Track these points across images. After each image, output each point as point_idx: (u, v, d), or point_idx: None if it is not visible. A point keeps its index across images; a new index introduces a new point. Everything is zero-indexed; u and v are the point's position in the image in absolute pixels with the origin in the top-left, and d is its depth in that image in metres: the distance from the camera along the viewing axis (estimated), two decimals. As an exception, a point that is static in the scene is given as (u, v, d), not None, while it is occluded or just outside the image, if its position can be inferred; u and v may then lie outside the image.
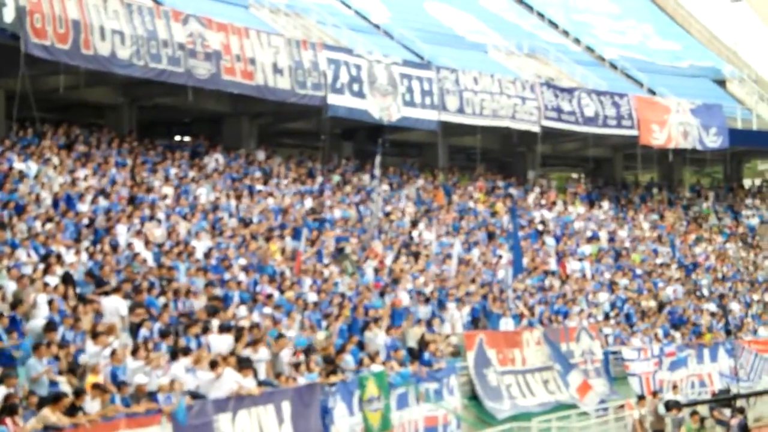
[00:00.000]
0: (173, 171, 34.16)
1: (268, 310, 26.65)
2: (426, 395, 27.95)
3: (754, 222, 56.30)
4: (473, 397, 30.68)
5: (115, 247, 26.39)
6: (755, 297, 46.67)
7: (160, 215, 29.98)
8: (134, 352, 21.34)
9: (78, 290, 23.58)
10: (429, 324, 31.36)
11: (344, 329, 28.17)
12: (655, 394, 33.42)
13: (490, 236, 41.22)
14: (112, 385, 20.12)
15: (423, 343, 29.69)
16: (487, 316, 33.87)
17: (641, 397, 33.10)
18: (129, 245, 26.91)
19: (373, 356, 27.10)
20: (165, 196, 31.71)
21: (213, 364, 22.00)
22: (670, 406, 31.60)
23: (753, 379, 37.26)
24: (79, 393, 19.25)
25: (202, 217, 31.28)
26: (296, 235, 32.74)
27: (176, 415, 20.20)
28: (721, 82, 62.12)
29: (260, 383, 23.03)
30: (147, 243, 27.47)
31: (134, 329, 22.99)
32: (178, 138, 40.99)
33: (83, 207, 28.30)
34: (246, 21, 40.53)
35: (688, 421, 30.48)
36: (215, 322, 24.38)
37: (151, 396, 20.46)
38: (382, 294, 31.80)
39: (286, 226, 33.58)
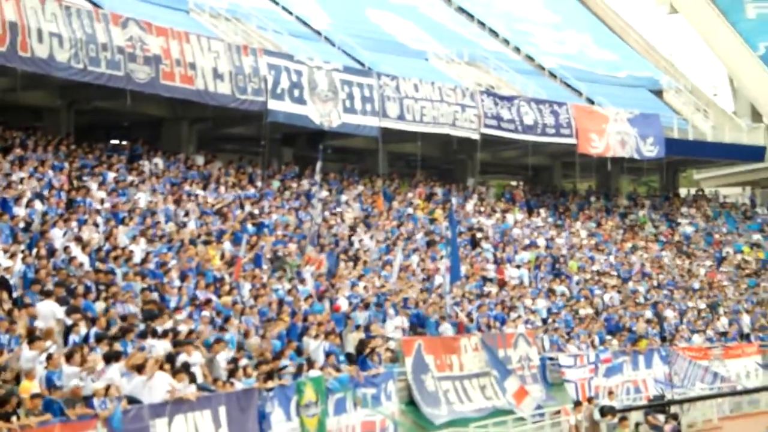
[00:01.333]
0: (111, 175, 33.96)
1: (206, 314, 26.57)
2: (363, 400, 27.97)
3: (690, 230, 56.94)
4: (411, 403, 30.76)
5: (51, 251, 26.20)
6: (690, 304, 47.19)
7: (98, 219, 29.80)
8: (69, 357, 21.19)
9: (15, 294, 23.41)
10: (367, 329, 31.43)
11: (283, 334, 28.18)
12: (590, 400, 33.66)
13: (429, 243, 41.37)
14: (47, 390, 19.97)
15: (361, 349, 29.74)
16: (425, 323, 33.99)
17: (577, 403, 33.34)
18: (65, 249, 26.73)
19: (311, 362, 27.12)
20: (102, 200, 31.52)
21: (140, 368, 21.86)
22: (605, 411, 31.66)
23: (687, 385, 37.62)
24: (8, 398, 19.00)
25: (140, 222, 31.13)
26: (235, 240, 32.68)
27: (111, 420, 20.08)
28: (658, 93, 62.80)
29: (198, 388, 22.95)
30: (84, 247, 27.29)
31: (68, 334, 22.81)
32: (116, 142, 40.75)
33: (19, 210, 28.08)
34: (186, 25, 40.43)
35: (618, 427, 30.71)
36: (152, 327, 24.27)
37: (87, 401, 20.33)
38: (320, 299, 31.82)
39: (225, 231, 33.50)
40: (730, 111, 66.98)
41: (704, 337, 44.12)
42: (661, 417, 32.85)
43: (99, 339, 22.70)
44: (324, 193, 40.28)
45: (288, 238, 35.50)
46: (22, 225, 27.23)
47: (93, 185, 32.24)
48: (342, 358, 28.74)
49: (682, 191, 65.91)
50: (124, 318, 24.30)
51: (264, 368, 25.15)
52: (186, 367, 22.97)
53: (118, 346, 22.67)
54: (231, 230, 33.62)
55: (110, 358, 21.91)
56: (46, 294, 23.58)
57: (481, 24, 62.44)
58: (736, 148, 59.72)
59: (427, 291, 36.04)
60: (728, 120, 61.85)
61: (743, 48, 66.11)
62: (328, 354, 28.13)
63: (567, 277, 43.96)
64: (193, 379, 22.93)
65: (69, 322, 23.06)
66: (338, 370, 27.82)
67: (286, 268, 33.04)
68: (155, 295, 26.53)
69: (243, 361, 25.19)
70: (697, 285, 49.73)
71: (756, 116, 65.86)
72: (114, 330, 23.60)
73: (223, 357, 24.82)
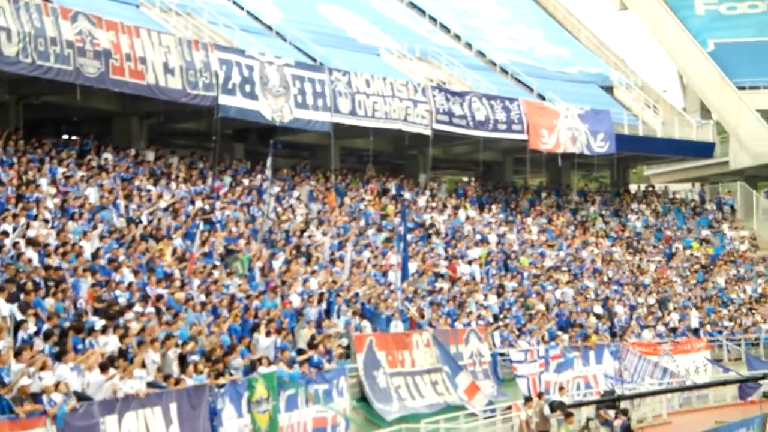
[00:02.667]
0: (61, 170, 33.66)
1: (153, 311, 26.39)
2: (315, 397, 27.95)
3: (640, 226, 57.33)
4: (362, 399, 30.78)
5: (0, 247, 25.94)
6: (640, 300, 47.51)
7: (47, 215, 29.53)
8: (18, 354, 20.99)
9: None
10: (319, 325, 31.38)
11: (235, 330, 28.09)
12: (540, 395, 33.84)
13: (382, 239, 41.35)
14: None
15: (313, 345, 29.70)
16: (377, 318, 33.98)
17: (528, 399, 33.49)
18: (15, 245, 26.45)
19: (262, 358, 27.04)
20: (52, 196, 31.23)
21: (102, 367, 21.74)
22: (554, 407, 32.02)
23: (636, 380, 37.91)
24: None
25: (90, 217, 30.87)
26: (187, 235, 32.51)
27: (59, 417, 19.94)
28: (609, 89, 63.19)
29: (149, 385, 22.82)
30: (33, 243, 27.02)
31: (17, 331, 22.61)
32: (66, 137, 40.40)
33: (-33, 206, 27.79)
34: (136, 20, 40.15)
35: (564, 423, 30.88)
36: (103, 323, 24.09)
37: (35, 398, 20.15)
38: (269, 294, 31.72)
39: (178, 227, 33.31)
40: (679, 107, 67.47)
41: (654, 332, 44.46)
42: (612, 412, 33.06)
43: (48, 336, 22.52)
44: (275, 189, 40.17)
45: (239, 234, 35.35)
46: (-30, 221, 26.93)
47: (42, 181, 31.93)
48: (294, 354, 28.68)
49: (633, 187, 66.36)
50: (74, 314, 24.09)
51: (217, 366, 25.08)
52: (136, 363, 22.81)
53: (68, 343, 22.49)
54: (183, 226, 33.42)
55: (60, 355, 21.75)
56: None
57: (433, 19, 62.53)
58: (686, 144, 60.22)
59: (379, 287, 35.98)
60: (678, 116, 62.31)
61: (692, 44, 66.61)
62: (282, 350, 28.09)
63: (518, 273, 44.11)
64: (143, 376, 22.81)
65: (19, 318, 22.84)
66: (291, 366, 27.74)
67: (238, 265, 32.91)
68: (105, 292, 26.32)
69: (194, 357, 25.11)
70: (647, 281, 50.07)
71: (705, 113, 66.42)
72: (64, 326, 23.41)
73: (174, 353, 24.69)
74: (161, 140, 43.26)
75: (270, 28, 50.68)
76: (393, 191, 47.42)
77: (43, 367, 20.84)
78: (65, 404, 20.15)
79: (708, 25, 69.24)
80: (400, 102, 46.07)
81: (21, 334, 22.34)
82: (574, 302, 43.49)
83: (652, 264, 52.77)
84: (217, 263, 32.24)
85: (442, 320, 36.06)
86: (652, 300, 48.01)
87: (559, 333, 40.04)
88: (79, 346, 22.76)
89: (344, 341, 31.42)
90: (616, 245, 53.74)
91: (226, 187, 38.85)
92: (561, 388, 35.90)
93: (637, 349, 39.78)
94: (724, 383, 39.09)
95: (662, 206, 60.94)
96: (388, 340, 32.64)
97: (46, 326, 22.95)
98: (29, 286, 24.26)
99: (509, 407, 33.78)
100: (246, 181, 40.98)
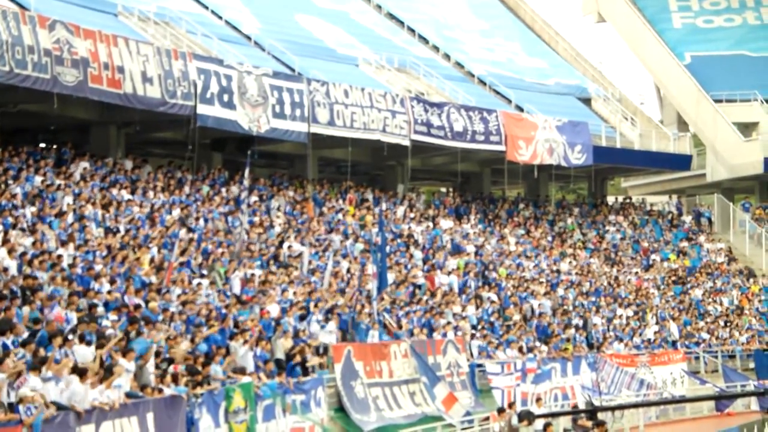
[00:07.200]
0: (38, 179, 33.52)
1: (134, 320, 26.27)
2: (293, 407, 27.88)
3: (617, 238, 57.45)
4: (340, 409, 30.71)
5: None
6: (618, 311, 47.58)
7: (24, 223, 29.37)
8: (-3, 363, 20.86)
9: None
10: (297, 335, 31.30)
11: (214, 340, 27.99)
12: (511, 405, 33.81)
13: (359, 249, 41.29)
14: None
15: (290, 355, 29.62)
16: (354, 329, 33.93)
17: (501, 410, 33.43)
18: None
19: (239, 368, 26.96)
20: (29, 204, 31.08)
21: (80, 374, 21.59)
22: (522, 417, 31.90)
23: (613, 392, 37.92)
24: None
25: (67, 226, 30.73)
26: (165, 245, 32.40)
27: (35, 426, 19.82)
28: (586, 101, 63.34)
29: (126, 395, 22.71)
30: (10, 251, 26.87)
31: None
32: (43, 145, 40.24)
33: (-56, 214, 27.63)
34: (114, 29, 40.09)
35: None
36: (79, 332, 23.96)
37: (12, 407, 20.02)
38: (246, 305, 31.63)
39: (154, 236, 33.19)
40: (657, 119, 67.75)
41: (631, 344, 44.52)
42: (589, 423, 33.00)
43: (24, 345, 22.36)
44: (253, 199, 40.09)
45: (217, 243, 35.26)
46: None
47: (18, 189, 31.78)
48: (275, 366, 28.60)
49: (610, 199, 66.52)
50: (50, 324, 23.96)
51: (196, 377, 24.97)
52: (114, 373, 22.68)
53: (44, 352, 22.35)
54: (160, 235, 33.30)
55: (36, 364, 21.59)
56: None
57: (411, 31, 62.61)
58: (663, 157, 60.39)
59: (357, 297, 35.94)
60: (655, 128, 62.51)
61: (670, 57, 67.00)
62: (265, 361, 28.02)
63: (496, 284, 44.12)
64: (120, 385, 22.69)
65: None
66: (269, 376, 27.66)
67: (216, 275, 32.82)
68: (83, 301, 26.18)
69: (171, 367, 25.00)
70: (624, 292, 50.16)
71: (682, 125, 66.75)
72: (39, 336, 23.26)
73: (151, 363, 24.57)
74: (138, 149, 43.13)
75: (248, 37, 50.66)
76: (371, 201, 47.38)
77: (18, 376, 20.71)
78: (41, 414, 20.01)
79: (685, 38, 69.67)
80: (379, 112, 46.08)
81: (1, 341, 22.19)
82: (551, 313, 43.51)
83: (630, 275, 52.87)
84: (195, 272, 32.13)
85: (419, 331, 36.01)
86: (630, 312, 48.09)
87: (537, 344, 40.05)
88: (56, 356, 22.60)
89: (321, 351, 31.38)
90: (593, 256, 53.84)
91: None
92: (538, 399, 35.88)
93: (614, 361, 39.82)
94: (705, 398, 39.18)
95: (640, 218, 61.09)
96: (366, 351, 32.58)
97: (20, 336, 22.78)
98: (5, 294, 24.11)
99: (487, 418, 33.71)
100: (224, 191, 40.86)
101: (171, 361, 25.53)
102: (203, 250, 34.10)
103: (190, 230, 35.21)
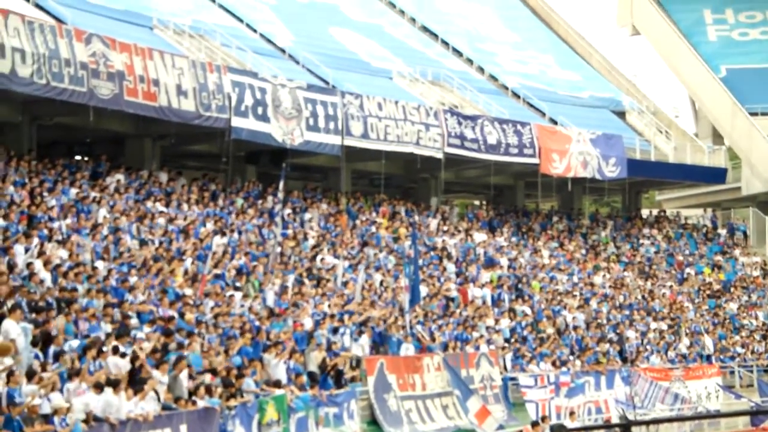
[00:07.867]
0: (73, 191, 33.73)
1: (168, 332, 26.39)
2: (326, 420, 27.91)
3: (651, 251, 57.21)
4: (373, 422, 30.70)
5: (12, 267, 25.95)
6: (652, 325, 47.35)
7: (59, 236, 29.57)
8: (30, 375, 20.98)
9: None
10: (330, 348, 31.34)
11: (246, 352, 28.06)
12: (544, 419, 33.68)
13: (393, 262, 41.32)
14: (7, 408, 19.78)
15: (324, 368, 29.66)
16: (387, 342, 33.94)
17: (535, 423, 33.31)
18: (28, 265, 26.47)
19: (274, 380, 27.02)
20: (65, 216, 31.28)
21: (101, 386, 21.69)
22: (555, 431, 31.82)
23: (647, 406, 37.75)
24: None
25: (102, 238, 30.91)
26: (199, 257, 32.54)
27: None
28: (621, 114, 63.14)
29: (161, 407, 22.80)
30: (46, 264, 27.05)
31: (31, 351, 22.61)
32: (78, 158, 40.53)
33: (-20, 226, 27.84)
34: (150, 42, 40.30)
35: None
36: (114, 344, 24.08)
37: (47, 419, 20.14)
38: (279, 316, 31.71)
39: (188, 248, 33.33)
40: (691, 133, 67.45)
41: (665, 358, 44.29)
42: (623, 438, 32.84)
43: (59, 356, 22.51)
44: (287, 211, 40.20)
45: (251, 256, 35.37)
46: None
47: (54, 202, 32.00)
48: (307, 379, 28.65)
49: (644, 212, 66.21)
50: (86, 336, 24.10)
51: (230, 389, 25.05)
52: (148, 385, 22.79)
53: (79, 364, 22.49)
54: (194, 247, 33.44)
55: (71, 375, 21.74)
56: (9, 311, 23.31)
57: (445, 43, 62.66)
58: (698, 170, 60.10)
59: (390, 310, 35.95)
60: (690, 141, 62.25)
61: (705, 70, 66.67)
62: (297, 375, 28.07)
63: (529, 297, 44.02)
64: (155, 397, 22.80)
65: (30, 338, 22.83)
66: (303, 389, 27.71)
67: (249, 287, 32.92)
68: (117, 313, 26.32)
69: (205, 380, 25.08)
70: (658, 306, 49.93)
71: (717, 138, 66.38)
72: (75, 347, 23.40)
73: (185, 375, 24.66)
74: (173, 162, 43.34)
75: (283, 50, 50.83)
76: (404, 214, 47.40)
77: (53, 388, 20.85)
78: (78, 425, 20.14)
79: (720, 51, 69.30)
80: (412, 125, 46.11)
81: (39, 354, 22.33)
82: (585, 327, 43.37)
83: (664, 289, 52.62)
84: (229, 284, 32.25)
85: (452, 344, 35.99)
86: (664, 325, 47.85)
87: (571, 357, 39.93)
88: (91, 368, 22.74)
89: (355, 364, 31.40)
90: (627, 270, 53.63)
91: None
92: (572, 413, 35.76)
93: (648, 375, 39.63)
94: (740, 414, 38.83)
95: (674, 231, 60.80)
96: (399, 364, 32.57)
97: (56, 347, 22.93)
98: (41, 306, 24.28)
99: (520, 431, 33.63)
100: (258, 203, 41.00)
101: (214, 372, 25.66)
102: (239, 265, 34.20)
103: (224, 239, 35.26)
